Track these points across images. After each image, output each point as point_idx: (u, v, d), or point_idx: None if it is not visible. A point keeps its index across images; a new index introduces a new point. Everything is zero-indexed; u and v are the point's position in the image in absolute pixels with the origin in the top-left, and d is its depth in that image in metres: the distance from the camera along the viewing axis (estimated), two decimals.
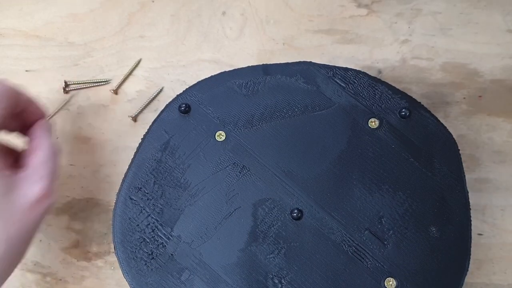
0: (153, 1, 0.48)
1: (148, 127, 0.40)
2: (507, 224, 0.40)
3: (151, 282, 0.36)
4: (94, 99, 0.46)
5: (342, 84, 0.40)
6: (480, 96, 0.43)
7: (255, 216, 0.37)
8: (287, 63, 0.40)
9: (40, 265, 0.41)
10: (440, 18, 0.45)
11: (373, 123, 0.38)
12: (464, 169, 0.38)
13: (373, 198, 0.37)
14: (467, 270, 0.35)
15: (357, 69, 0.40)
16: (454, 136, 0.38)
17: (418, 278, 0.35)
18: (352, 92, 0.39)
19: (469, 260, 0.36)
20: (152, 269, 0.36)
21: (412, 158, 0.38)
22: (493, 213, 0.41)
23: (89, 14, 0.48)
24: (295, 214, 0.36)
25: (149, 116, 0.44)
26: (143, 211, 0.37)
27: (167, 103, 0.40)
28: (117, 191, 0.38)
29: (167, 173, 0.38)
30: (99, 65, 0.47)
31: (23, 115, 0.37)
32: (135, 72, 0.46)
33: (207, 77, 0.41)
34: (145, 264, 0.36)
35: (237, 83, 0.40)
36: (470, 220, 0.36)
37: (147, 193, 0.38)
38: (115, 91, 0.45)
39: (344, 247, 0.36)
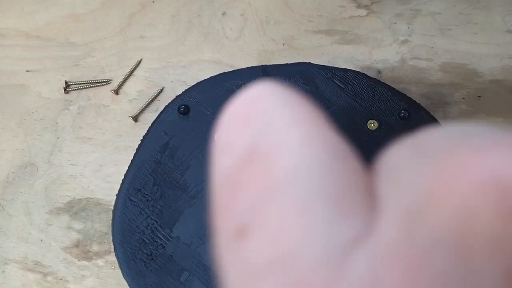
0: (153, 2, 0.48)
1: (148, 128, 0.40)
2: None
3: (150, 283, 0.36)
4: (94, 99, 0.46)
5: (341, 85, 0.40)
6: (479, 97, 0.43)
7: None
8: (286, 64, 0.40)
9: (40, 265, 0.42)
10: (440, 19, 0.45)
11: (372, 124, 0.39)
12: None
13: None
14: None
15: (357, 69, 0.40)
16: None
17: None
18: (351, 93, 0.39)
19: None
20: (151, 270, 0.37)
21: None
22: None
23: (90, 14, 0.48)
24: None
25: (150, 116, 0.44)
26: (143, 212, 0.38)
27: (166, 104, 0.40)
28: (117, 192, 0.39)
29: (166, 174, 0.38)
30: (99, 65, 0.47)
31: None
32: (135, 72, 0.46)
33: (207, 77, 0.41)
34: (145, 265, 0.37)
35: (236, 84, 0.40)
36: None
37: (147, 194, 0.38)
38: (116, 91, 0.46)
39: None
